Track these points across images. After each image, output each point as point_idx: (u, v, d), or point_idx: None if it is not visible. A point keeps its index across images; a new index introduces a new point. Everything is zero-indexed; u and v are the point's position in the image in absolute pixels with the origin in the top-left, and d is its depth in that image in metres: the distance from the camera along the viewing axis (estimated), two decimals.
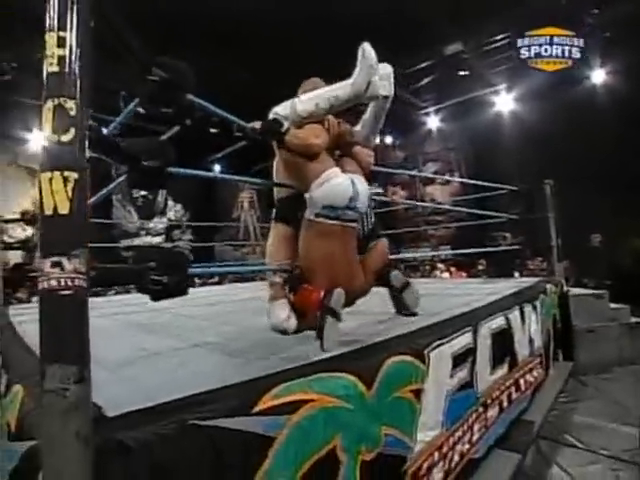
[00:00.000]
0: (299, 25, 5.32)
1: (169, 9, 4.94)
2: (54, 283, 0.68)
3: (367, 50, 1.51)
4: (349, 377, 1.16)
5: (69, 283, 0.68)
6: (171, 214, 10.37)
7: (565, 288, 3.63)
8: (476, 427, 1.93)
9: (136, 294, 3.83)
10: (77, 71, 0.74)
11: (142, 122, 6.62)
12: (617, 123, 5.83)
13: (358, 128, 1.83)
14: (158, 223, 9.94)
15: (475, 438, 1.90)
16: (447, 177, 8.41)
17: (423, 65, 6.56)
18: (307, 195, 1.53)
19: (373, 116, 1.78)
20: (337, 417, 1.08)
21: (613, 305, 3.79)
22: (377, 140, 1.94)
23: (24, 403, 1.05)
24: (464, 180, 7.14)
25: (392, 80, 1.64)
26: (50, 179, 0.70)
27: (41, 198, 0.71)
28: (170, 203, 10.34)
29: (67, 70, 0.73)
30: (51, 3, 0.73)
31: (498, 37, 6.00)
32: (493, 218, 4.17)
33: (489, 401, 2.07)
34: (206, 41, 5.46)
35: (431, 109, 8.43)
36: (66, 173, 0.70)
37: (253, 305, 3.05)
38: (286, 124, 1.47)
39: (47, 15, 0.73)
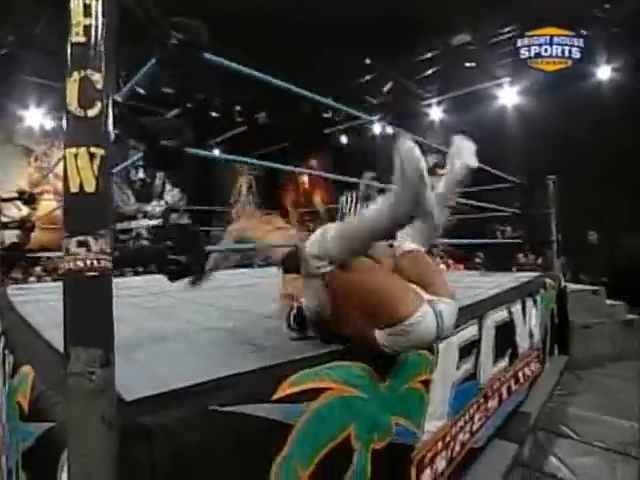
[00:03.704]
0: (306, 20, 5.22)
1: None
2: (80, 264, 0.65)
3: (405, 144, 1.01)
4: (364, 366, 1.15)
5: (95, 264, 0.66)
6: (168, 198, 10.27)
7: (563, 283, 3.66)
8: (477, 417, 1.95)
9: (126, 277, 3.83)
10: (103, 42, 0.70)
11: (143, 103, 6.54)
12: (621, 120, 5.81)
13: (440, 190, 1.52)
14: (155, 206, 9.85)
15: (475, 428, 1.92)
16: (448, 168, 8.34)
17: (429, 55, 6.44)
18: (377, 334, 1.13)
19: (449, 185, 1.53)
20: (352, 406, 1.08)
21: (609, 301, 3.83)
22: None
23: (35, 384, 1.03)
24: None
25: (474, 149, 1.46)
26: (75, 155, 0.67)
27: (66, 175, 0.68)
28: (168, 187, 10.24)
29: (93, 41, 0.69)
30: None
31: (506, 29, 5.92)
32: (493, 211, 4.16)
33: (490, 392, 2.09)
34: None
35: (434, 100, 8.32)
36: (92, 149, 0.67)
37: (255, 291, 3.05)
38: (322, 265, 1.17)
39: None
